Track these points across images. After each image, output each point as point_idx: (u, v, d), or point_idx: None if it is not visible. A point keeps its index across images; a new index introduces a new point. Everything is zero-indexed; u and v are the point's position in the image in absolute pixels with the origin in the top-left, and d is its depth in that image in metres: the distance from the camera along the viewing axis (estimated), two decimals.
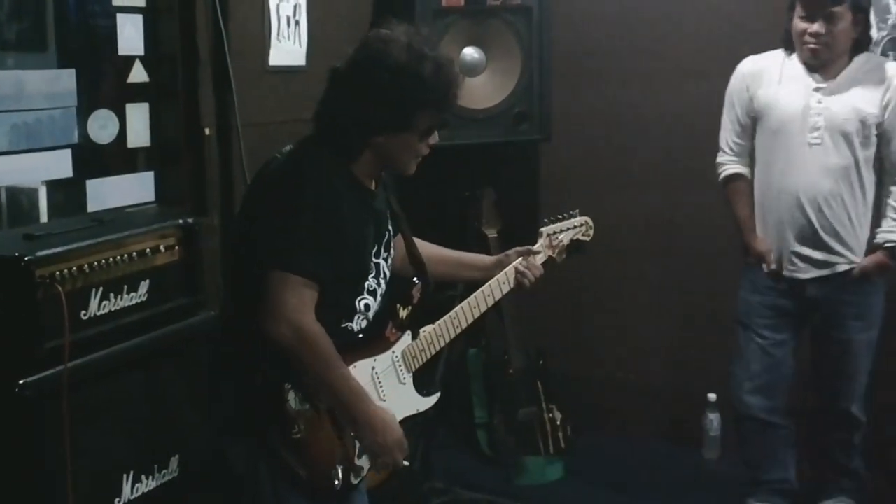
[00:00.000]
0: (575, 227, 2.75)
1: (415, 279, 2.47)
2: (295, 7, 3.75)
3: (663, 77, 4.23)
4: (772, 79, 3.40)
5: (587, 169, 4.40)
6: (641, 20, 4.26)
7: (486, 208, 4.12)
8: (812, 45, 3.29)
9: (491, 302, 2.57)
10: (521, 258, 2.61)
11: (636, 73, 4.27)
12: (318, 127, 2.31)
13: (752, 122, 3.46)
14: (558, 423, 4.17)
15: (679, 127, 4.21)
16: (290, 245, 2.14)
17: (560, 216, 2.75)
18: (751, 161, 3.51)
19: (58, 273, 2.31)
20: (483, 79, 4.04)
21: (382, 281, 2.37)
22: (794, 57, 3.39)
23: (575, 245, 2.75)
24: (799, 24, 3.31)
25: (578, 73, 4.31)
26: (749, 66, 3.49)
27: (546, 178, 4.52)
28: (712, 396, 4.17)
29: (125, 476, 2.51)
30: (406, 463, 2.32)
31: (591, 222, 2.77)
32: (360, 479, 2.33)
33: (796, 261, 3.39)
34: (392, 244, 2.43)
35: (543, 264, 2.65)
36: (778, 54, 3.44)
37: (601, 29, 4.32)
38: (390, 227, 2.43)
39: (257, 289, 2.15)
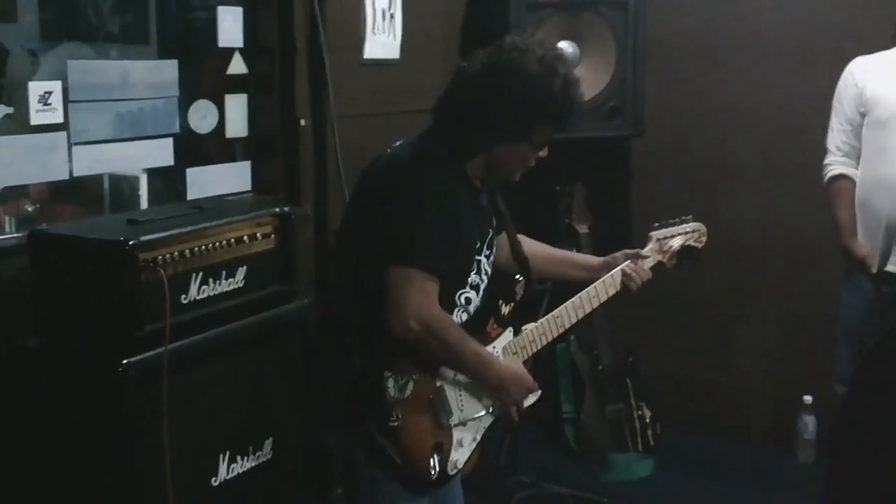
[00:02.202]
0: (687, 232, 2.68)
1: (518, 276, 2.46)
2: (390, 0, 3.78)
3: (763, 71, 4.11)
4: (882, 72, 3.32)
5: (681, 165, 4.32)
6: (740, 12, 4.15)
7: (577, 203, 4.10)
8: None
9: (596, 303, 2.53)
10: (629, 261, 2.57)
11: (734, 66, 4.17)
12: (438, 123, 2.31)
13: (861, 119, 3.36)
14: (647, 420, 4.14)
15: (779, 122, 4.10)
16: (412, 241, 2.14)
17: (672, 220, 2.67)
18: (857, 164, 3.41)
19: (160, 257, 2.37)
20: (576, 73, 4.00)
21: (484, 277, 2.37)
22: None
23: (686, 251, 2.68)
24: None
25: (673, 66, 4.23)
26: (858, 63, 3.40)
27: (638, 175, 4.46)
28: (808, 399, 4.07)
29: (221, 456, 2.56)
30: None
31: (703, 229, 2.69)
32: (456, 470, 2.33)
33: None
34: (494, 242, 2.43)
35: (652, 269, 2.60)
36: (889, 53, 3.35)
37: (697, 21, 4.23)
38: (494, 226, 2.43)
39: (370, 281, 2.17)
